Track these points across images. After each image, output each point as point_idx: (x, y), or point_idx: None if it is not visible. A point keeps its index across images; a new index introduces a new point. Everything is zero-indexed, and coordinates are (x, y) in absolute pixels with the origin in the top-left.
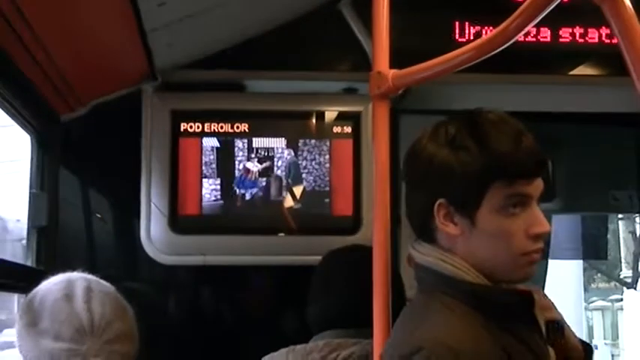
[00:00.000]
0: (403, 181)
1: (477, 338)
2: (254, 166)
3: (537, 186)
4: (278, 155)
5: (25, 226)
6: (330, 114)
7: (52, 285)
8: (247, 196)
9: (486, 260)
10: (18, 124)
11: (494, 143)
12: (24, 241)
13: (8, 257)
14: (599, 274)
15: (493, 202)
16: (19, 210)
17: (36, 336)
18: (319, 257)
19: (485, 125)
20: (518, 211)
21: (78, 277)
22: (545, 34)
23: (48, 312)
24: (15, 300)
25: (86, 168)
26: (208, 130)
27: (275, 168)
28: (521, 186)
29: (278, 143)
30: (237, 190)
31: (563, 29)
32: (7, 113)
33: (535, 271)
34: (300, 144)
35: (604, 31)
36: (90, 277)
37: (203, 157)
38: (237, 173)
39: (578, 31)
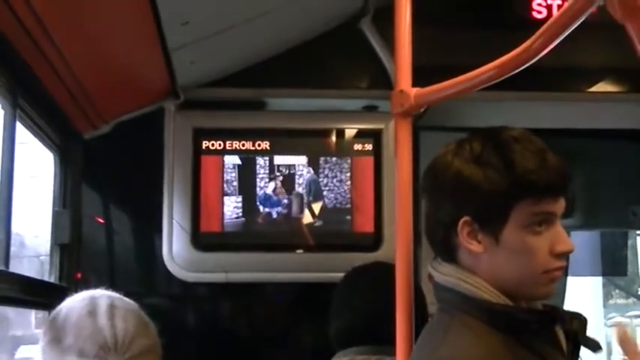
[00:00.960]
0: (422, 197)
1: (496, 357)
2: (278, 184)
3: (561, 204)
4: (299, 173)
5: (43, 243)
6: (351, 131)
7: (75, 302)
8: (269, 214)
9: (508, 278)
10: (41, 141)
11: (520, 161)
12: (41, 257)
13: (25, 273)
14: (617, 290)
15: (519, 220)
16: (37, 226)
17: (60, 353)
18: (341, 274)
19: (510, 143)
20: (543, 229)
21: (101, 295)
22: (565, 51)
23: (72, 329)
24: (32, 317)
25: (108, 185)
26: (230, 148)
27: (296, 185)
28: (548, 204)
29: (299, 161)
30: (259, 208)
31: (582, 47)
32: (30, 131)
33: (555, 289)
34: (321, 161)
35: (623, 48)
36: (113, 294)
37: (225, 175)
38: (258, 190)
39: (597, 48)
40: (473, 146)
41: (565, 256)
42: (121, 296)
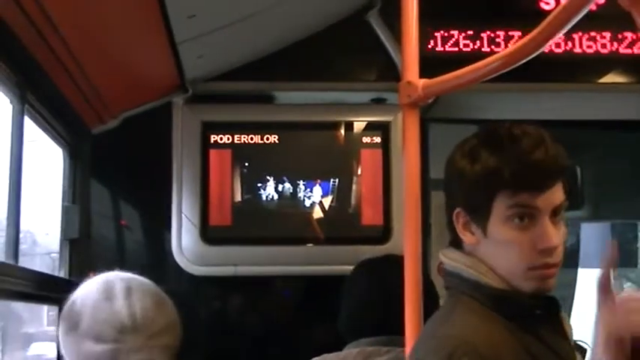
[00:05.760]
0: None
1: (498, 337)
2: (287, 178)
3: (547, 199)
4: (308, 166)
5: (54, 240)
6: (359, 124)
7: (90, 288)
8: (278, 207)
9: (500, 269)
10: (50, 137)
11: (504, 155)
12: (53, 254)
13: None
14: (629, 284)
15: (500, 212)
16: (48, 223)
17: (77, 340)
18: (350, 267)
19: (504, 138)
20: (526, 224)
21: (116, 277)
22: (573, 42)
23: (89, 314)
24: (44, 313)
25: (117, 180)
26: (238, 142)
27: (305, 178)
28: (526, 197)
29: (308, 153)
30: (268, 201)
31: (592, 37)
32: (40, 126)
33: (552, 286)
34: (329, 154)
35: (632, 37)
36: (127, 275)
37: (233, 168)
38: (267, 184)
39: (606, 38)
40: (471, 141)
41: (551, 252)
42: (136, 276)
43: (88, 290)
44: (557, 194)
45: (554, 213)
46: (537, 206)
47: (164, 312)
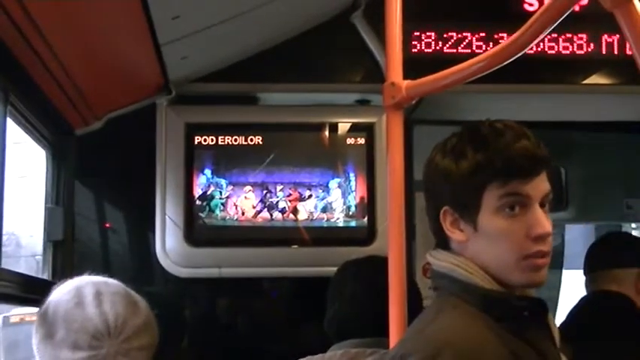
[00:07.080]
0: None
1: (483, 339)
2: (271, 180)
3: (537, 187)
4: (292, 167)
5: (39, 242)
6: (344, 125)
7: (62, 295)
8: (262, 209)
9: (491, 264)
10: (33, 138)
11: (491, 148)
12: (37, 257)
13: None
14: None
15: (490, 204)
16: (32, 225)
17: (54, 348)
18: (334, 268)
19: (487, 133)
20: (517, 213)
21: (86, 283)
22: (557, 43)
23: (62, 322)
24: None
25: (101, 181)
26: (222, 143)
27: (289, 180)
28: (516, 185)
29: (292, 155)
30: (252, 203)
31: (576, 38)
32: (22, 127)
33: (544, 278)
34: (314, 155)
35: (616, 39)
36: (97, 279)
37: (217, 170)
38: (251, 186)
39: (591, 40)
40: (452, 140)
41: (544, 239)
42: (106, 280)
43: (60, 297)
44: (544, 182)
45: (542, 204)
46: (528, 193)
47: (137, 313)
